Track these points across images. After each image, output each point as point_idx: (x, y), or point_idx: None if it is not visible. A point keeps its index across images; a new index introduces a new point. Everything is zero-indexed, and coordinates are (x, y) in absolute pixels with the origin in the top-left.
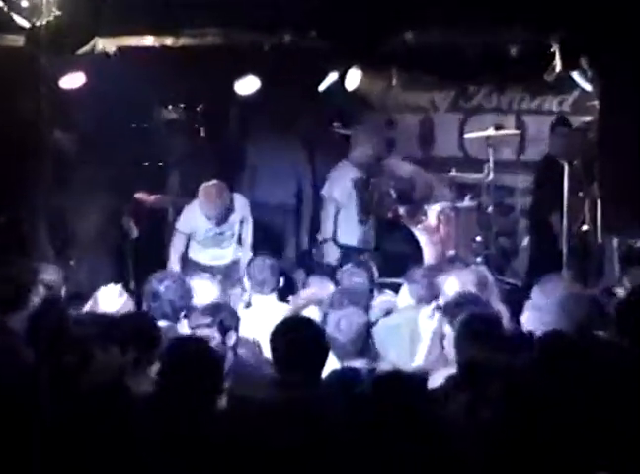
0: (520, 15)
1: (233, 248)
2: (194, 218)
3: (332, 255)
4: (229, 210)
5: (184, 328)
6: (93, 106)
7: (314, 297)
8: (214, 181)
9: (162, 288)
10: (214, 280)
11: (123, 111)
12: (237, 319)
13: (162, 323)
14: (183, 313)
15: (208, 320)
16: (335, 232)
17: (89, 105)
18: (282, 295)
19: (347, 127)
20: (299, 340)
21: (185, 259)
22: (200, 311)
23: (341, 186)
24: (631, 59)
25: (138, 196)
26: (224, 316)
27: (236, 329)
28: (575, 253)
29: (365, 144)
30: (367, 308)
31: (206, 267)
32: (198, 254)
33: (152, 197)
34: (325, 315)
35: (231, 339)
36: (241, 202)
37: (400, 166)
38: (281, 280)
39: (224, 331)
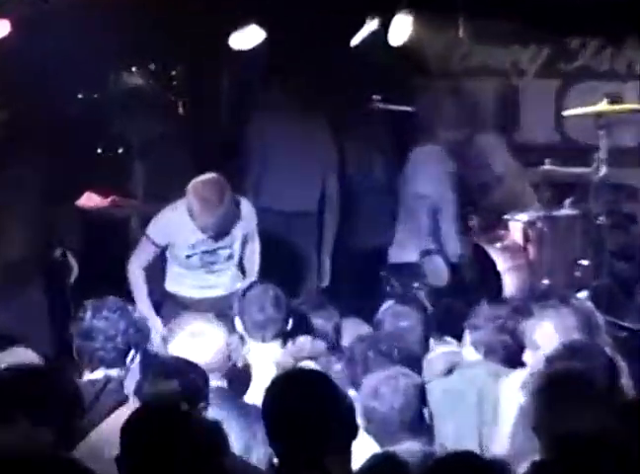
0: None
1: (231, 275)
2: (176, 225)
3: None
4: (232, 220)
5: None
6: (21, 67)
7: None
8: (212, 175)
9: (99, 322)
10: (216, 321)
11: (65, 74)
12: (206, 380)
13: (98, 374)
14: (130, 358)
15: (174, 384)
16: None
17: (15, 65)
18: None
19: (391, 101)
20: (307, 409)
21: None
22: (158, 370)
23: (437, 179)
24: None
25: (84, 201)
26: (193, 377)
27: (206, 398)
28: None
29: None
30: (420, 365)
31: (191, 301)
32: (177, 282)
33: (105, 202)
34: (354, 375)
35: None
36: (247, 210)
37: (494, 150)
38: (290, 322)
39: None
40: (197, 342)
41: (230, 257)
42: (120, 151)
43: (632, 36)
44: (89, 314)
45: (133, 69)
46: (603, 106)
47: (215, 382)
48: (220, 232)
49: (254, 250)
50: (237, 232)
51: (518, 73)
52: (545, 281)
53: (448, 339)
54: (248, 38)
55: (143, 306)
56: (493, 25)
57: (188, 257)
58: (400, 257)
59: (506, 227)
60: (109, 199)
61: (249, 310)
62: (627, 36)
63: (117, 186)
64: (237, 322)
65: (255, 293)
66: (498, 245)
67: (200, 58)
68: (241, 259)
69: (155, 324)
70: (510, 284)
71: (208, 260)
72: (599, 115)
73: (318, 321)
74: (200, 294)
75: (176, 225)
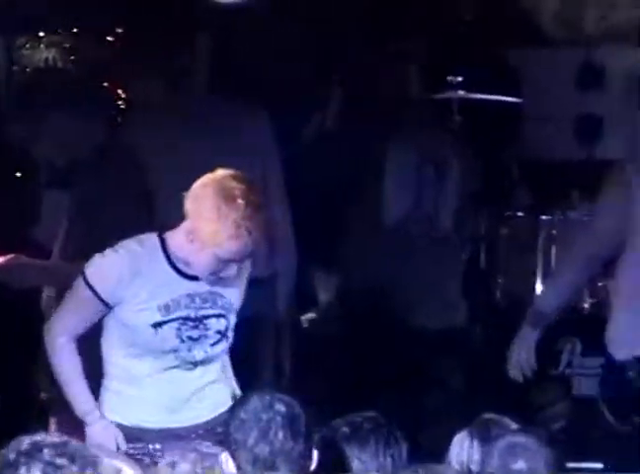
0: None
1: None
2: (144, 266)
3: None
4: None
5: None
6: None
7: None
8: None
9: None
10: None
11: None
12: None
13: None
14: None
15: None
16: None
17: None
18: None
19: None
20: None
21: None
22: None
23: None
24: None
25: None
26: None
27: None
28: None
29: None
30: None
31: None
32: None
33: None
34: None
35: None
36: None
37: None
38: (315, 456)
39: None
40: None
41: (224, 333)
42: (18, 175)
43: None
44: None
45: (42, 43)
46: None
47: None
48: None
49: None
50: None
51: None
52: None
53: None
54: None
55: (82, 400)
56: None
57: (155, 326)
58: None
59: None
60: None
61: (246, 440)
62: None
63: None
64: (224, 460)
65: (253, 409)
66: None
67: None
68: None
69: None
70: None
71: (190, 334)
72: None
73: None
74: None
75: (144, 266)
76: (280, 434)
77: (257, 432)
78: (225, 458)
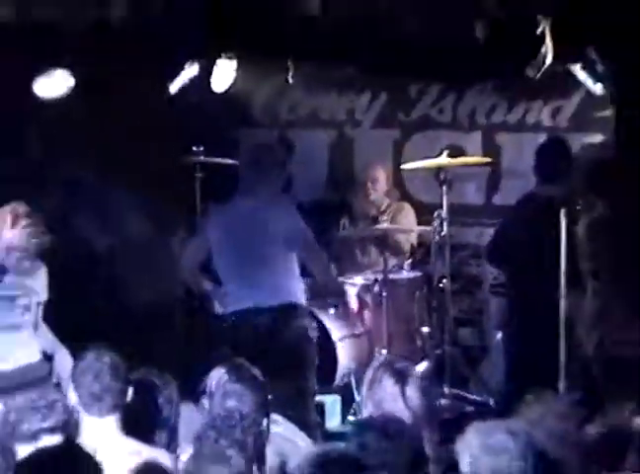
0: None
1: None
2: None
3: None
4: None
5: None
6: None
7: None
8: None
9: None
10: None
11: None
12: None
13: None
14: None
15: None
16: None
17: None
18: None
19: (213, 154)
20: None
21: None
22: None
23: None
24: None
25: None
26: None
27: None
28: (580, 355)
29: None
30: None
31: None
32: None
33: None
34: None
35: None
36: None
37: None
38: (130, 392)
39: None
40: None
41: (27, 310)
42: None
43: (476, 82)
44: None
45: None
46: (444, 159)
47: None
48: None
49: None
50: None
51: (352, 123)
52: (384, 352)
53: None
54: (55, 85)
55: None
56: (324, 71)
57: None
58: None
59: (340, 292)
60: None
61: (83, 380)
62: (471, 82)
63: None
64: (71, 394)
65: (88, 361)
66: (332, 311)
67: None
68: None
69: None
70: (344, 355)
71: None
72: (440, 169)
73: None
74: None
75: None
76: (107, 377)
77: (90, 375)
78: (71, 394)
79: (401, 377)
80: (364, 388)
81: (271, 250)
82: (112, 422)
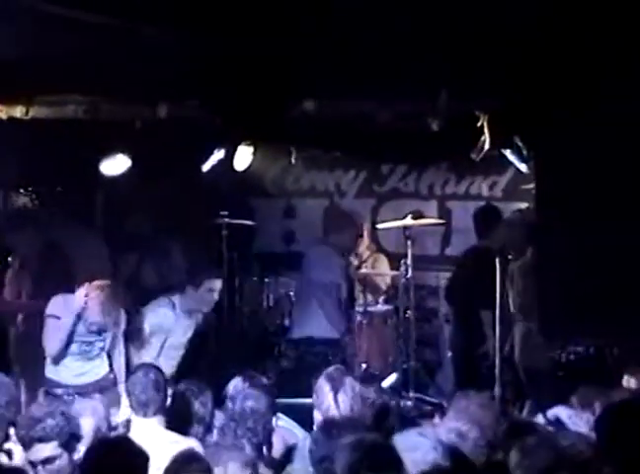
0: (442, 81)
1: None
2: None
3: None
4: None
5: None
6: None
7: None
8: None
9: None
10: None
11: None
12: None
13: None
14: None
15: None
16: None
17: None
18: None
19: (235, 217)
20: None
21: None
22: (36, 436)
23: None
24: (576, 135)
25: None
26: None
27: None
28: (511, 366)
29: None
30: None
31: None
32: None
33: None
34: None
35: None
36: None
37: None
38: (168, 399)
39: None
40: None
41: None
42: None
43: (432, 162)
44: None
45: (22, 191)
46: (409, 220)
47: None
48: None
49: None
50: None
51: (340, 194)
52: (364, 366)
53: (283, 417)
54: (116, 165)
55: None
56: (319, 153)
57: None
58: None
59: None
60: None
61: (133, 391)
62: (429, 162)
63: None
64: (124, 401)
65: (138, 376)
66: None
67: (77, 181)
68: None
69: None
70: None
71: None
72: (405, 228)
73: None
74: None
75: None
76: (151, 391)
77: (138, 387)
78: (124, 399)
79: (335, 385)
80: (313, 395)
81: None
82: (155, 421)
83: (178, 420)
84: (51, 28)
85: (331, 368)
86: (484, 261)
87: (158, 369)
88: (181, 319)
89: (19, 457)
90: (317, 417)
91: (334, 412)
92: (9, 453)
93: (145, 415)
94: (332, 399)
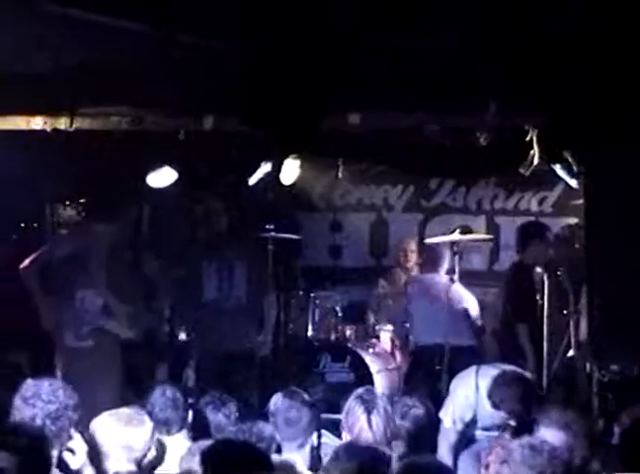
0: (491, 95)
1: None
2: None
3: None
4: None
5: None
6: None
7: None
8: None
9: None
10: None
11: (7, 208)
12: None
13: None
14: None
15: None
16: None
17: None
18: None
19: (281, 231)
20: None
21: None
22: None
23: None
24: (626, 150)
25: None
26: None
27: None
28: (557, 385)
29: None
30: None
31: None
32: None
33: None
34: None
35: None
36: None
37: None
38: (190, 414)
39: None
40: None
41: None
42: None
43: (481, 178)
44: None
45: (67, 203)
46: (457, 235)
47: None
48: None
49: None
50: None
51: (387, 208)
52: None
53: (327, 434)
54: (162, 177)
55: None
56: (366, 167)
57: None
58: None
59: (377, 336)
60: None
61: (152, 411)
62: (477, 177)
63: None
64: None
65: (155, 396)
66: (371, 351)
67: (123, 194)
68: None
69: None
70: (381, 384)
71: None
72: (453, 243)
73: (220, 417)
74: None
75: None
76: (169, 410)
77: (157, 407)
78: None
79: (368, 406)
80: (342, 416)
81: None
82: (181, 436)
83: (202, 432)
84: (97, 39)
85: (361, 389)
86: (528, 275)
87: (175, 387)
88: None
89: (82, 455)
90: (345, 438)
91: (367, 434)
92: (72, 451)
93: (169, 433)
94: (365, 420)
